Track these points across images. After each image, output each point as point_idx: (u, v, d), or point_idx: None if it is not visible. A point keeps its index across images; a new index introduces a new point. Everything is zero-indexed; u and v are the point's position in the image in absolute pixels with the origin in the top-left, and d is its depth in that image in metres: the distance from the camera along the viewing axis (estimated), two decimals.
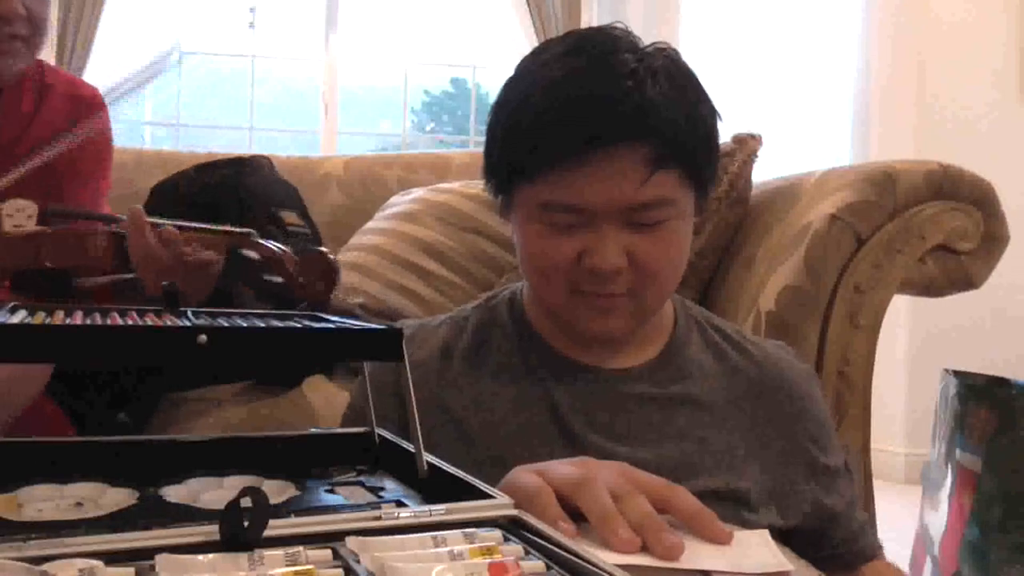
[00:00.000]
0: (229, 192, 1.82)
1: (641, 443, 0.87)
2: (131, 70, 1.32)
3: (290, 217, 1.81)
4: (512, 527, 0.48)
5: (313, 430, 0.71)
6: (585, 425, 0.88)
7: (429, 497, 0.55)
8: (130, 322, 0.56)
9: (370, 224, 1.89)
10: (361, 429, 0.69)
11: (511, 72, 0.91)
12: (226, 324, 0.57)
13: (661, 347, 0.94)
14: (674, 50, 0.89)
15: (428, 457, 0.56)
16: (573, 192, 0.83)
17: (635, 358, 0.93)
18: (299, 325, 0.60)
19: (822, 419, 0.96)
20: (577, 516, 0.58)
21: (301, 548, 0.41)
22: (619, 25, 0.89)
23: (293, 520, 0.45)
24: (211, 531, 0.42)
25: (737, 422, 0.90)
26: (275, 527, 0.43)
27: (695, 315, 0.99)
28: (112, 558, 0.40)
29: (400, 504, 0.54)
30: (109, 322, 0.56)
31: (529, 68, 0.88)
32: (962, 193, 1.27)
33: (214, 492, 0.56)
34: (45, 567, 0.38)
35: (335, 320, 0.64)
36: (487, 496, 0.51)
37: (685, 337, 0.95)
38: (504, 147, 0.88)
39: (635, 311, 0.88)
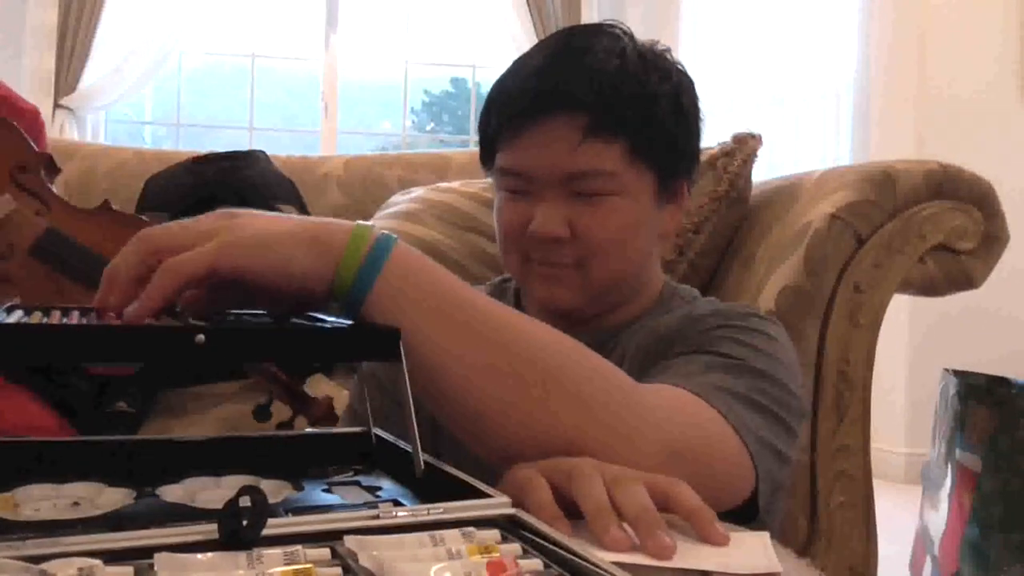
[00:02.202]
0: (227, 185, 1.82)
1: None
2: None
3: (288, 211, 1.81)
4: (510, 526, 0.47)
5: (309, 430, 0.70)
6: None
7: (426, 496, 0.55)
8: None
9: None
10: (358, 429, 0.69)
11: (501, 76, 0.96)
12: (223, 324, 0.57)
13: (623, 324, 0.95)
14: (666, 47, 0.93)
15: (425, 456, 0.56)
16: (517, 156, 0.88)
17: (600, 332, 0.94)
18: (295, 325, 0.60)
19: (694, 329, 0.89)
20: (575, 512, 0.58)
21: (299, 547, 0.41)
22: (618, 23, 0.93)
23: (291, 519, 0.45)
24: (209, 530, 0.42)
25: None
26: (273, 526, 0.43)
27: (684, 296, 1.00)
28: (111, 557, 0.40)
29: (397, 503, 0.54)
30: (106, 322, 0.56)
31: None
32: (962, 193, 1.26)
33: (211, 492, 0.56)
34: (44, 566, 0.38)
35: (331, 320, 0.64)
36: (484, 495, 0.50)
37: (648, 316, 0.96)
38: (480, 119, 0.94)
39: (583, 285, 0.90)
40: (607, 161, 0.87)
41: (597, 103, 0.85)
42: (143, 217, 1.46)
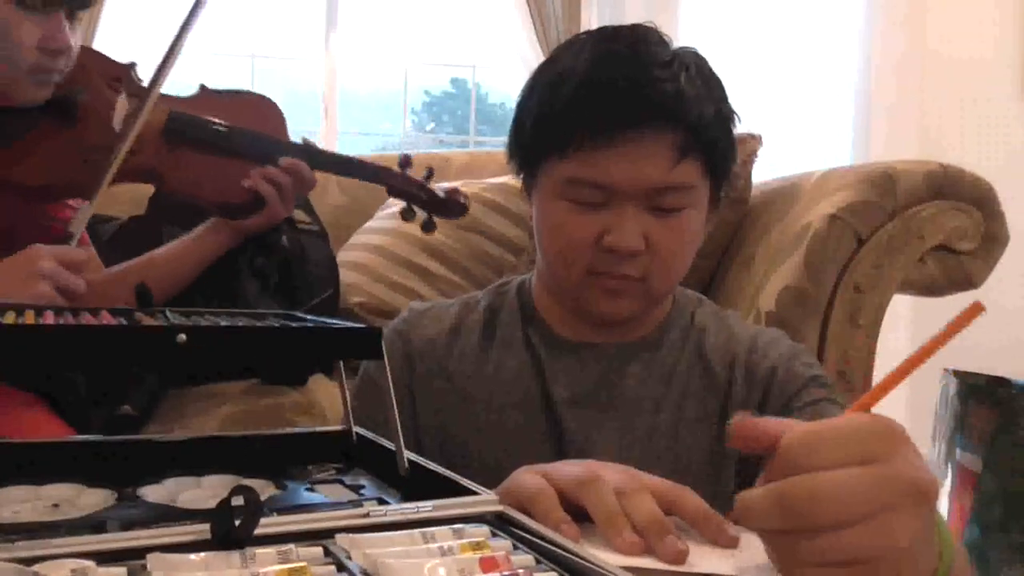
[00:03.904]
0: None
1: (618, 413, 0.93)
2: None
3: (298, 214, 1.81)
4: (499, 522, 0.48)
5: (289, 429, 0.70)
6: (566, 396, 0.93)
7: (409, 494, 0.55)
8: (105, 322, 0.56)
9: (370, 224, 1.89)
10: (337, 428, 0.69)
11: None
12: (204, 323, 0.57)
13: (651, 328, 0.97)
14: (700, 53, 0.94)
15: (408, 454, 0.56)
16: (601, 170, 0.86)
17: (626, 337, 0.96)
18: (277, 324, 0.59)
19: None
20: (581, 516, 0.58)
21: (292, 546, 0.41)
22: (649, 24, 0.93)
23: (282, 518, 0.45)
24: (201, 530, 0.42)
25: (693, 394, 0.94)
26: (263, 525, 0.42)
27: (691, 298, 1.03)
28: (103, 558, 0.39)
29: (381, 501, 0.54)
30: (83, 322, 0.55)
31: (564, 54, 0.92)
32: (962, 193, 1.26)
33: (192, 492, 0.55)
34: (36, 568, 0.38)
35: (310, 319, 0.64)
36: (469, 492, 0.50)
37: (675, 320, 0.99)
38: (538, 124, 0.91)
39: (644, 296, 0.91)
40: (692, 177, 0.88)
41: (689, 121, 0.86)
42: (243, 90, 1.47)
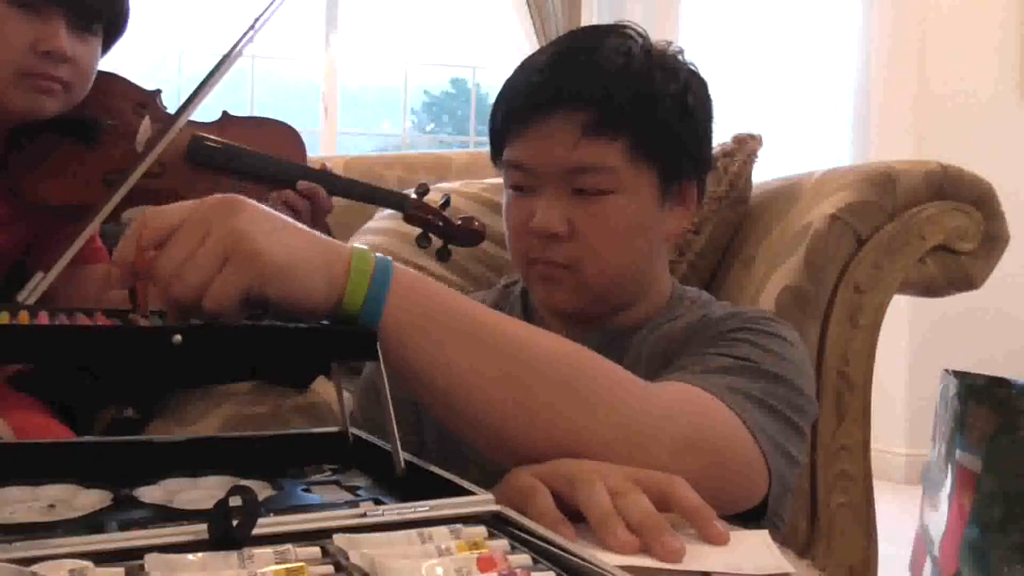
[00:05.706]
0: None
1: None
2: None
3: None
4: (496, 522, 0.48)
5: (286, 430, 0.71)
6: None
7: (405, 495, 0.55)
8: (100, 323, 0.56)
9: (370, 224, 1.88)
10: (333, 429, 0.69)
11: (512, 73, 0.97)
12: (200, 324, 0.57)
13: (640, 325, 0.96)
14: (678, 47, 0.93)
15: (404, 455, 0.57)
16: (520, 150, 0.90)
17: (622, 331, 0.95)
18: (273, 325, 0.59)
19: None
20: (577, 516, 0.58)
21: (290, 546, 0.41)
22: (631, 24, 0.93)
23: (279, 518, 0.45)
24: (198, 530, 0.42)
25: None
26: (261, 525, 0.42)
27: (693, 298, 1.00)
28: (100, 559, 0.39)
29: (378, 502, 0.54)
30: (78, 323, 0.55)
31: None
32: (962, 193, 1.26)
33: (189, 492, 0.55)
34: (34, 568, 0.38)
35: (308, 320, 0.64)
36: (466, 492, 0.50)
37: (668, 316, 0.96)
38: (490, 115, 0.96)
39: (577, 287, 0.90)
40: (608, 157, 0.87)
41: (598, 100, 0.86)
42: (263, 117, 1.48)
